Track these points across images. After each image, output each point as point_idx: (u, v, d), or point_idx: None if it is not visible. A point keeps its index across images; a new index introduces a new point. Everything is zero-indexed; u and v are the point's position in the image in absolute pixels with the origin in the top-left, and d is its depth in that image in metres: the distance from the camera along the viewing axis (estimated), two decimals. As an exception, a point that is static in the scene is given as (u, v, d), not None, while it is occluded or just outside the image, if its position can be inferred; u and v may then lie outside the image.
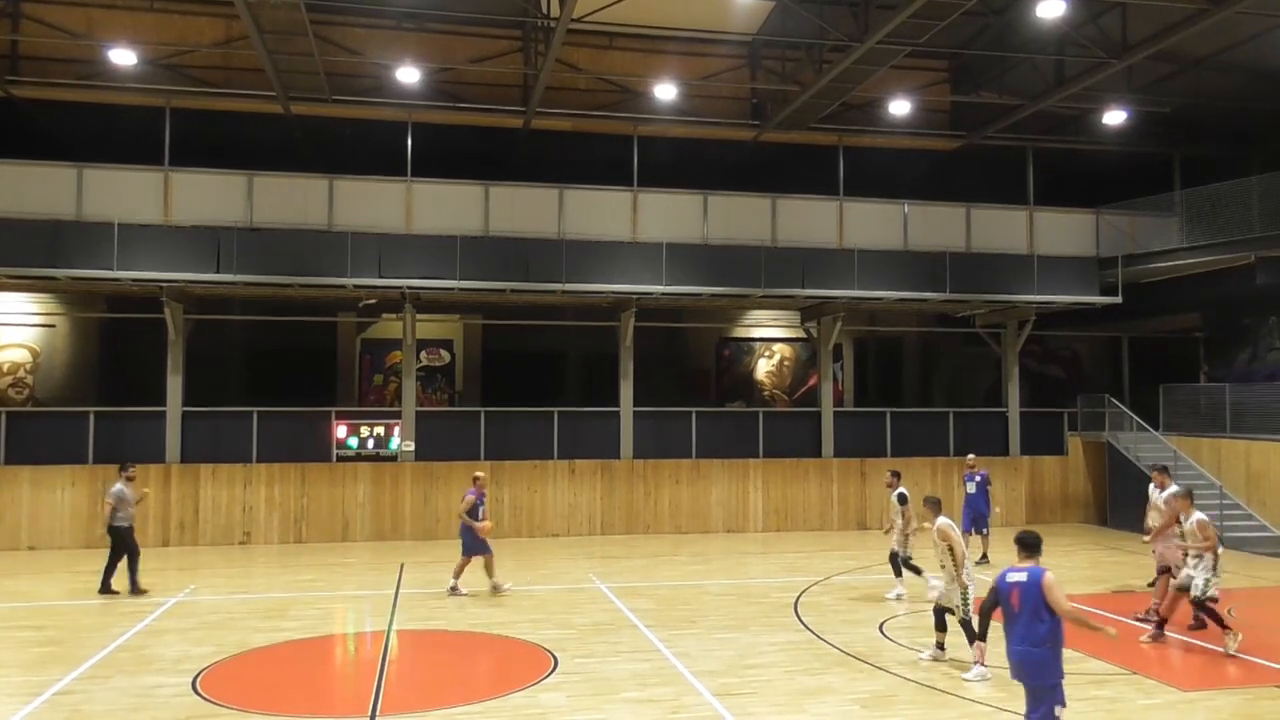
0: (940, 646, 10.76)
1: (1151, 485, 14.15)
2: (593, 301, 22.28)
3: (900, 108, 21.74)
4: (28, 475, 19.28)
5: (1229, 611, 12.18)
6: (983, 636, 7.41)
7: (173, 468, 19.75)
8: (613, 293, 20.83)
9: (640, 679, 10.07)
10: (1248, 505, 20.79)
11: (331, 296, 21.70)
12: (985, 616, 7.41)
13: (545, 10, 19.54)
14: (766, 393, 27.79)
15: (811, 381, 26.52)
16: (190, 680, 9.99)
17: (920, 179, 24.82)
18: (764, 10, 20.38)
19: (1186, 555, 11.76)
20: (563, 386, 26.46)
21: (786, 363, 28.12)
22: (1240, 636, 11.09)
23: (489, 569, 14.64)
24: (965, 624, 10.30)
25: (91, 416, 19.93)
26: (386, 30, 21.07)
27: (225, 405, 21.06)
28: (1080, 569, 17.01)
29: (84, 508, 19.39)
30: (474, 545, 14.50)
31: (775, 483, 22.32)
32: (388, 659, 11.13)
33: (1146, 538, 13.51)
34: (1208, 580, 11.32)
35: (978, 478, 17.87)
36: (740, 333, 27.85)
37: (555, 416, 21.64)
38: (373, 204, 20.16)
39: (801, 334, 26.22)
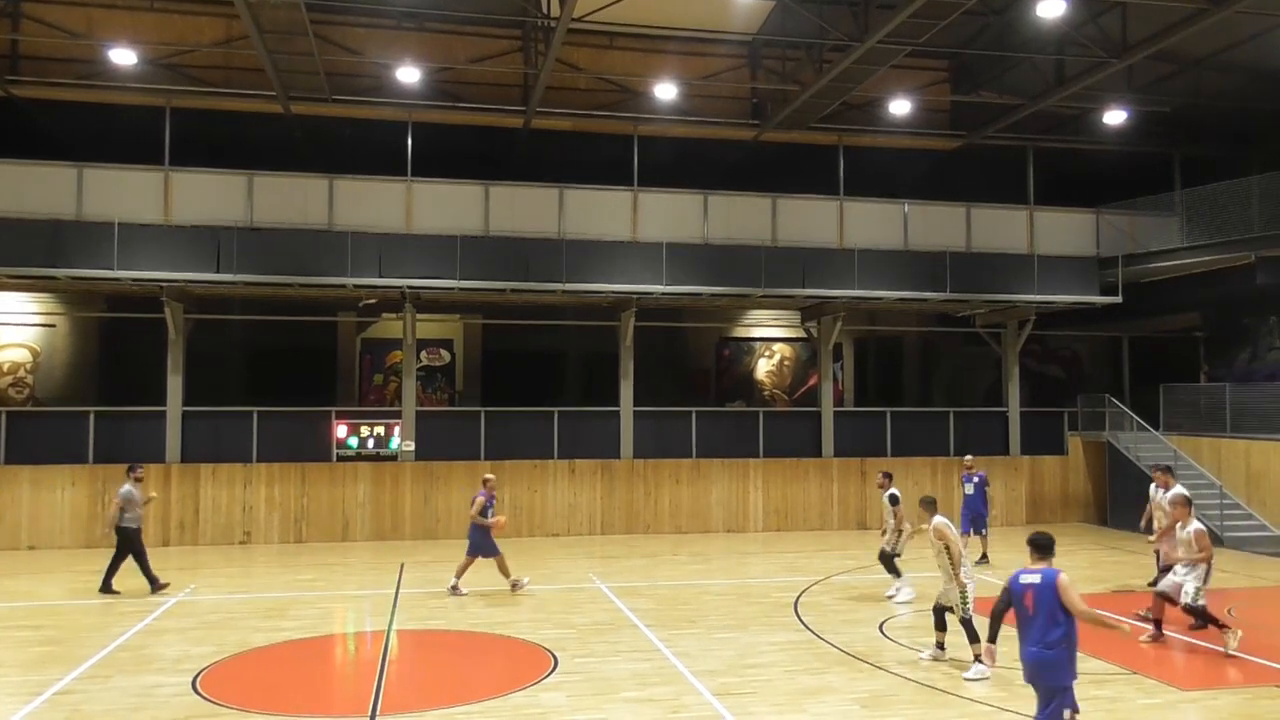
0: (940, 646, 10.76)
1: (1153, 485, 14.15)
2: (593, 301, 22.28)
3: (900, 107, 21.74)
4: (28, 475, 19.28)
5: (1229, 611, 12.19)
6: (993, 639, 7.35)
7: (173, 467, 19.75)
8: (613, 293, 20.83)
9: (640, 679, 10.06)
10: (1248, 505, 20.79)
11: (331, 296, 21.70)
12: (997, 619, 7.35)
13: (545, 10, 19.53)
14: (766, 392, 27.79)
15: (811, 381, 26.52)
16: (190, 680, 9.99)
17: (920, 179, 24.82)
18: (764, 10, 20.38)
19: (1171, 565, 11.76)
20: (563, 386, 26.46)
21: (786, 362, 28.12)
22: (1240, 634, 11.07)
23: (503, 570, 14.63)
24: (965, 623, 10.30)
25: (91, 416, 19.93)
26: (386, 30, 21.07)
27: (225, 405, 21.06)
28: (1080, 569, 17.01)
29: (84, 507, 19.40)
30: (483, 546, 14.49)
31: (775, 482, 22.32)
32: (388, 659, 11.13)
33: (1151, 537, 13.51)
34: (1198, 589, 11.31)
35: (975, 479, 17.87)
36: (740, 332, 27.85)
37: (555, 416, 21.64)
38: (373, 204, 20.16)
39: (801, 334, 26.22)
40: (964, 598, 10.36)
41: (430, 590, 15.00)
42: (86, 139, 20.47)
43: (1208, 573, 11.43)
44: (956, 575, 10.43)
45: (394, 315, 22.31)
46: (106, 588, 14.46)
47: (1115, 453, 23.18)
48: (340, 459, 20.60)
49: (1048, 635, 6.77)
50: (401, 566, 17.17)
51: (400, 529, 20.59)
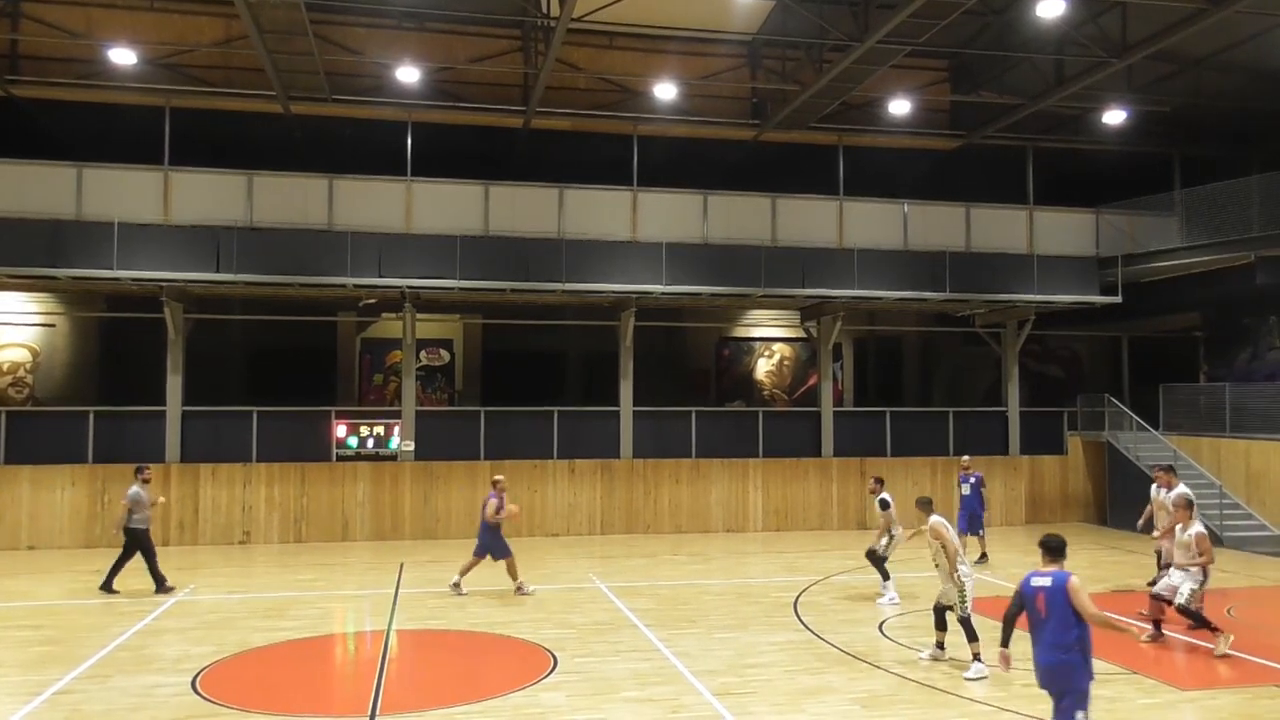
0: (940, 646, 10.76)
1: (1155, 485, 14.13)
2: (593, 301, 22.28)
3: (900, 107, 21.73)
4: (27, 475, 19.28)
5: (1228, 611, 12.20)
6: (1005, 643, 7.28)
7: (172, 467, 19.75)
8: (613, 292, 20.82)
9: (640, 678, 10.07)
10: (1247, 505, 20.80)
11: (331, 296, 21.69)
12: (1009, 623, 7.25)
13: (545, 10, 19.52)
14: (766, 392, 27.80)
15: (811, 381, 26.52)
16: (190, 680, 9.99)
17: (920, 179, 24.82)
18: (764, 10, 20.38)
19: (1171, 564, 11.75)
20: (563, 386, 26.46)
21: (786, 362, 28.13)
22: (1231, 638, 11.06)
23: (511, 572, 14.64)
24: (964, 621, 10.30)
25: (91, 416, 19.93)
26: (386, 30, 21.06)
27: (225, 405, 21.06)
28: (1080, 569, 16.88)
29: (84, 507, 19.40)
30: (493, 547, 14.50)
31: (775, 482, 22.32)
32: (387, 658, 11.13)
33: (1156, 533, 13.50)
34: (1194, 591, 11.30)
35: (972, 479, 17.85)
36: (740, 332, 27.85)
37: (555, 416, 21.64)
38: (373, 204, 20.16)
39: (801, 334, 26.22)
40: (963, 596, 10.36)
41: (430, 590, 15.01)
42: (86, 139, 20.47)
43: (1205, 576, 11.43)
44: (953, 574, 10.43)
45: (394, 315, 22.31)
46: (108, 586, 14.47)
47: (1115, 453, 23.19)
48: (340, 459, 20.60)
49: (1061, 638, 6.69)
50: (401, 566, 17.18)
51: (400, 529, 20.59)
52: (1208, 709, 9.23)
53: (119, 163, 19.42)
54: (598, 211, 21.06)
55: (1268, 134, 22.94)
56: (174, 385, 20.05)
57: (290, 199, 19.87)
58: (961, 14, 16.83)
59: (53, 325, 23.30)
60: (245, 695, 9.54)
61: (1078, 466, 24.31)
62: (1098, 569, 17.21)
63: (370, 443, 20.80)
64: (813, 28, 18.92)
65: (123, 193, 19.23)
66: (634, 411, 21.83)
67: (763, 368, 27.98)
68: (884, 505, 14.50)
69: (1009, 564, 17.60)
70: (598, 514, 21.49)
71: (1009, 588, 14.77)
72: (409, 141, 20.56)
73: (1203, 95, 22.03)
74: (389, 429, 20.88)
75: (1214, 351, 25.01)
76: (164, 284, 19.26)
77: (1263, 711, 9.18)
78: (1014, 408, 23.96)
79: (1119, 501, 22.81)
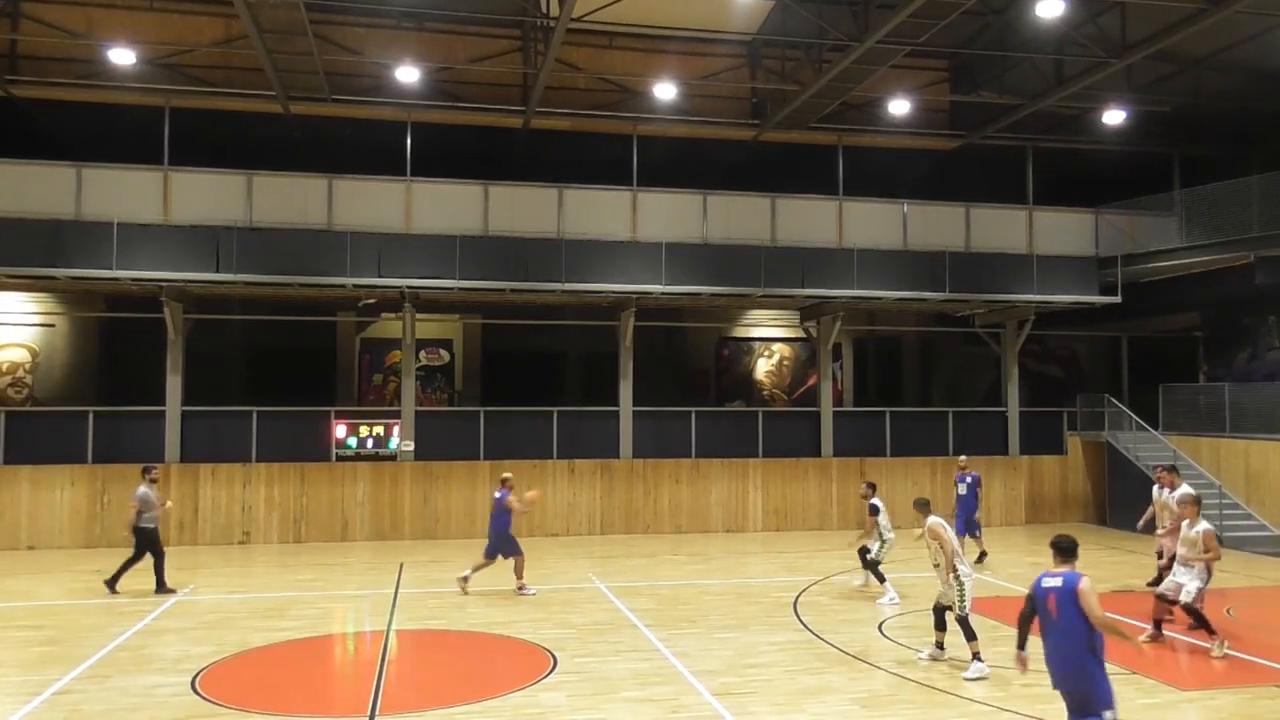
0: (940, 646, 10.76)
1: (1156, 485, 14.12)
2: (592, 301, 22.27)
3: (900, 107, 21.73)
4: (27, 475, 19.27)
5: (1228, 611, 12.20)
6: (1021, 645, 7.23)
7: (172, 467, 19.73)
8: (612, 292, 20.82)
9: (640, 678, 10.06)
10: (1247, 505, 20.80)
11: (331, 296, 21.69)
12: (1024, 625, 7.20)
13: (545, 10, 19.53)
14: (766, 392, 27.80)
15: (811, 381, 26.53)
16: (189, 680, 9.98)
17: (920, 179, 24.82)
18: (764, 10, 20.37)
19: (1174, 559, 11.73)
20: (562, 386, 26.46)
21: (786, 362, 28.13)
22: (1227, 644, 11.05)
23: (518, 571, 14.65)
24: (963, 621, 10.30)
25: (91, 416, 19.92)
26: (386, 30, 21.06)
27: (225, 405, 21.06)
28: (1080, 569, 16.98)
29: (83, 507, 19.39)
30: (503, 547, 14.52)
31: (775, 482, 22.32)
32: (387, 658, 11.13)
33: (1160, 532, 13.50)
34: (1199, 589, 11.29)
35: (969, 479, 17.83)
36: (740, 332, 27.85)
37: (555, 416, 21.64)
38: (372, 204, 20.16)
39: (801, 334, 26.22)
40: (962, 596, 10.36)
41: (430, 590, 15.01)
42: (86, 139, 20.46)
43: (1210, 574, 11.42)
44: (952, 573, 10.43)
45: (393, 315, 22.31)
46: (112, 584, 14.44)
47: (1114, 453, 23.19)
48: (339, 459, 20.59)
49: (1072, 639, 6.64)
50: (401, 566, 17.17)
51: (400, 529, 20.59)
52: (1208, 709, 9.23)
53: (119, 163, 19.42)
54: (597, 211, 21.06)
55: (1268, 134, 22.94)
56: (173, 385, 20.04)
57: (290, 199, 19.87)
58: (961, 14, 16.83)
59: (52, 325, 23.30)
60: (245, 695, 9.54)
61: (1077, 466, 24.31)
62: (1098, 569, 17.19)
63: (370, 443, 20.80)
64: (812, 28, 18.92)
65: (122, 193, 19.23)
66: (634, 411, 21.83)
67: (762, 368, 27.98)
68: (873, 511, 14.53)
69: (1009, 564, 17.61)
70: (597, 514, 21.48)
71: (1008, 587, 14.84)
72: (408, 141, 20.56)
73: (1203, 95, 22.03)
74: (389, 429, 20.88)
75: (1213, 351, 25.02)
76: (164, 284, 19.26)
77: (1263, 711, 9.18)
78: (1014, 408, 23.96)
79: (1119, 501, 22.82)
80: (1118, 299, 22.43)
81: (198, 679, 10.02)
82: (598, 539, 20.95)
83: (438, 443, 21.02)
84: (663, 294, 20.97)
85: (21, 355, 23.08)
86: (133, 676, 10.10)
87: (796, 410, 25.14)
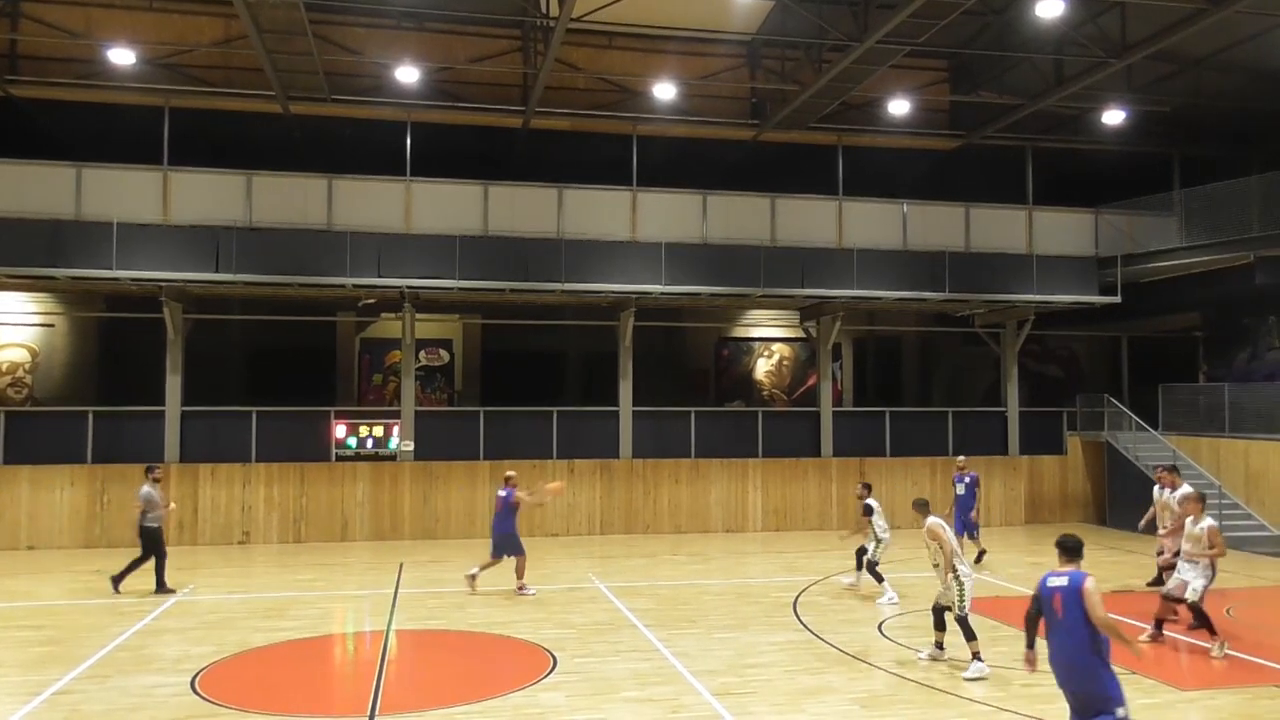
0: (939, 646, 10.76)
1: (1157, 486, 14.10)
2: (592, 301, 22.27)
3: (899, 107, 21.73)
4: (27, 475, 19.27)
5: (1227, 611, 12.20)
6: (1030, 645, 7.21)
7: (172, 467, 19.73)
8: (612, 292, 20.82)
9: (640, 678, 10.06)
10: (1247, 505, 20.80)
11: (331, 296, 21.68)
12: (1031, 625, 7.18)
13: (544, 10, 19.53)
14: (765, 392, 27.80)
15: (810, 381, 26.53)
16: (189, 680, 9.98)
17: (919, 179, 24.82)
18: (763, 10, 20.37)
19: (1178, 556, 11.72)
20: (562, 386, 26.46)
21: (785, 362, 28.13)
22: (1226, 645, 11.06)
23: (519, 570, 14.65)
24: (962, 621, 10.30)
25: (90, 416, 19.92)
26: (386, 30, 21.06)
27: (224, 405, 21.06)
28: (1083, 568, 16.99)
29: (83, 507, 19.39)
30: (507, 546, 14.53)
31: (774, 482, 22.32)
32: (387, 658, 11.13)
33: (1162, 531, 13.49)
34: (1204, 586, 11.28)
35: (967, 479, 17.80)
36: (739, 332, 27.85)
37: (554, 416, 21.64)
38: (372, 204, 20.16)
39: (800, 334, 26.22)
40: (961, 596, 10.35)
41: (430, 590, 15.01)
42: (85, 139, 20.46)
43: (1214, 571, 11.39)
44: (951, 574, 10.42)
45: (393, 315, 22.30)
46: (117, 582, 14.43)
47: (1114, 453, 23.19)
48: (339, 459, 20.59)
49: (1078, 639, 6.62)
50: (400, 566, 17.17)
51: (399, 529, 20.59)
52: (1208, 709, 9.23)
53: (118, 163, 19.42)
54: (597, 211, 21.06)
55: (1268, 134, 22.94)
56: (173, 385, 20.04)
57: (290, 199, 19.86)
58: (961, 14, 16.83)
59: (52, 325, 23.29)
60: (245, 695, 9.54)
61: (1077, 466, 24.31)
62: (1097, 569, 17.10)
63: (369, 443, 20.79)
64: (812, 28, 18.92)
65: (122, 193, 19.22)
66: (633, 411, 21.83)
67: (762, 368, 27.98)
68: (866, 511, 14.51)
69: (1008, 564, 17.62)
70: (597, 514, 21.48)
71: (1008, 587, 14.85)
72: (408, 141, 20.56)
73: (1203, 95, 22.03)
74: (388, 429, 20.88)
75: (1213, 351, 25.02)
76: (163, 284, 19.25)
77: (1263, 711, 9.18)
78: (1013, 408, 23.96)
79: (1118, 502, 22.82)
80: (1117, 299, 22.42)
81: (197, 679, 10.02)
82: (597, 539, 20.95)
83: (437, 443, 21.02)
84: (662, 294, 20.97)
85: (21, 355, 23.07)
86: (132, 676, 10.10)
87: (796, 410, 25.14)
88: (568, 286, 20.24)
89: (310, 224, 19.79)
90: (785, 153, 23.58)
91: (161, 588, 14.51)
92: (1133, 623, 12.35)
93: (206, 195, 19.63)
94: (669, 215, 21.35)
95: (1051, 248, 22.90)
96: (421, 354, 24.73)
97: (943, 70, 23.59)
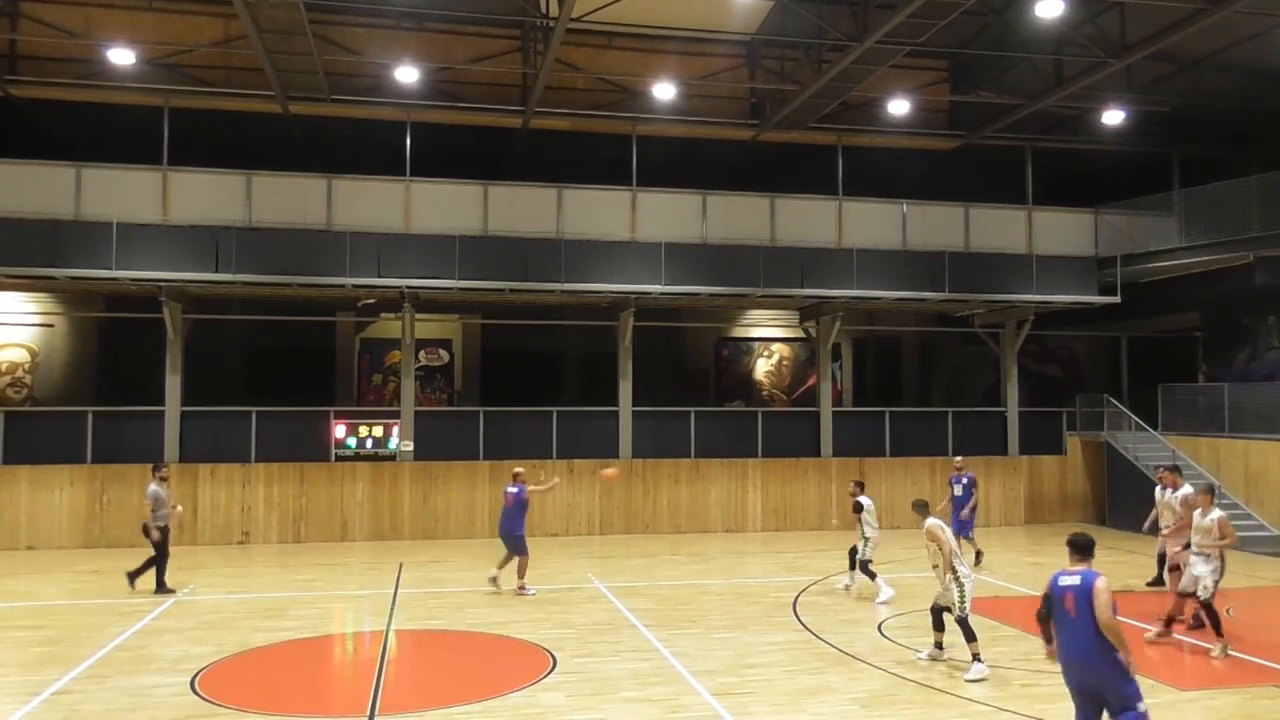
0: (939, 646, 10.76)
1: (1159, 486, 14.08)
2: (591, 301, 22.27)
3: (899, 107, 21.73)
4: (26, 475, 19.26)
5: (1228, 611, 12.19)
6: (1049, 640, 7.17)
7: (171, 467, 19.64)
8: (611, 292, 20.82)
9: (639, 678, 10.06)
10: (1246, 505, 20.80)
11: (330, 296, 21.68)
12: (1044, 624, 7.16)
13: (544, 10, 19.53)
14: (765, 392, 27.80)
15: (810, 381, 26.52)
16: (189, 680, 9.98)
17: (919, 179, 24.81)
18: (763, 10, 20.37)
19: (1189, 549, 11.70)
20: (562, 386, 26.45)
21: (785, 362, 28.13)
22: (1228, 649, 11.05)
23: (521, 570, 14.66)
24: (962, 622, 10.29)
25: (90, 416, 19.91)
26: (385, 30, 21.06)
27: (224, 405, 21.05)
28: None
29: (82, 507, 19.39)
30: (514, 545, 14.56)
31: (774, 482, 22.32)
32: (386, 659, 11.12)
33: (1164, 531, 13.48)
34: (1216, 582, 11.25)
35: (964, 480, 17.77)
36: (739, 332, 27.85)
37: (554, 416, 21.64)
38: (371, 204, 20.15)
39: (800, 334, 26.22)
40: (962, 597, 10.34)
41: (429, 590, 15.00)
42: (85, 139, 20.45)
43: (1224, 565, 11.36)
44: (951, 575, 10.41)
45: (393, 315, 22.30)
46: (133, 579, 14.46)
47: (1114, 453, 23.19)
48: (339, 459, 20.58)
49: (1091, 637, 6.59)
50: (400, 566, 17.17)
51: (399, 529, 20.58)
52: (1208, 709, 9.23)
53: (118, 163, 19.41)
54: (596, 211, 21.06)
55: (1267, 134, 22.94)
56: (173, 385, 20.03)
57: (289, 199, 19.86)
58: (961, 14, 16.83)
59: (51, 325, 23.28)
60: (244, 695, 9.53)
61: (1076, 467, 24.31)
62: (1097, 569, 17.19)
63: (369, 443, 20.79)
64: (812, 28, 18.93)
65: (121, 193, 19.21)
66: (633, 412, 21.83)
67: (762, 368, 27.98)
68: (855, 509, 14.49)
69: (1008, 564, 17.62)
70: (597, 514, 21.48)
71: (1007, 587, 14.85)
72: (408, 141, 20.55)
73: (1202, 95, 22.03)
74: (388, 429, 20.87)
75: (1213, 351, 25.02)
76: (163, 284, 19.25)
77: (1262, 711, 9.18)
78: (1013, 408, 23.96)
79: (1118, 502, 22.82)
80: (1117, 299, 22.43)
81: (197, 679, 10.02)
82: (597, 539, 20.95)
83: (437, 443, 21.02)
84: (662, 294, 20.97)
85: (21, 355, 23.06)
86: (132, 676, 10.10)
87: (796, 410, 25.14)
88: (567, 286, 20.24)
89: (310, 224, 19.78)
90: (785, 153, 23.58)
91: (161, 588, 14.52)
92: (1133, 623, 12.36)
93: (206, 195, 19.62)
94: (668, 215, 21.35)
95: (1051, 248, 22.90)
96: (421, 354, 24.73)
97: (942, 70, 23.59)
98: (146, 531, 14.48)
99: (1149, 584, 14.89)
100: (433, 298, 21.47)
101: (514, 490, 14.72)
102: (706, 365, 27.77)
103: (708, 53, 22.38)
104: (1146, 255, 22.81)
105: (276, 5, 15.73)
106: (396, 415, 21.10)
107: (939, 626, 10.73)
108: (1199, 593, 11.25)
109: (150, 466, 15.49)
